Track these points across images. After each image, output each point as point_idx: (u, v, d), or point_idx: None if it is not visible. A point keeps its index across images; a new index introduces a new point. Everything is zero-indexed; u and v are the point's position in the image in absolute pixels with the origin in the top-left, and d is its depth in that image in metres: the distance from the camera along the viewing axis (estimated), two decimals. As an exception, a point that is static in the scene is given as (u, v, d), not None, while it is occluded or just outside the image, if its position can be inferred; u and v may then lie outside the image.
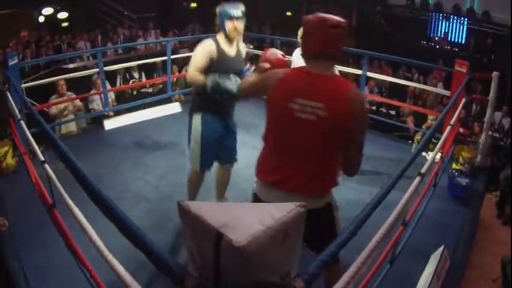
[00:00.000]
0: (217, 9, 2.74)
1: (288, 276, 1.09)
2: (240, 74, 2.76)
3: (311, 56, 1.66)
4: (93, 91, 5.66)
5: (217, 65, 2.67)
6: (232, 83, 2.58)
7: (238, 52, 2.81)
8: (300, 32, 3.10)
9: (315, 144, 1.61)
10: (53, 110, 5.14)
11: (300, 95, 1.58)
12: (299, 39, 3.07)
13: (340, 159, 1.69)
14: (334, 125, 1.57)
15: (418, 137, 5.00)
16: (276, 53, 2.28)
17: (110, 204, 1.36)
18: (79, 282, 2.21)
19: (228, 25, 2.69)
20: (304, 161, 1.64)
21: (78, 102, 5.39)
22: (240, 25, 2.70)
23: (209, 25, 4.32)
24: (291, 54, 4.39)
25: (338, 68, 5.15)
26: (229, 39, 2.72)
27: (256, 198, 1.79)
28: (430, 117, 5.28)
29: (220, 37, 2.74)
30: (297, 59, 3.78)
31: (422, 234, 3.01)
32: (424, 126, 5.32)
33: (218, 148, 2.95)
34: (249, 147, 4.62)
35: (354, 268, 1.27)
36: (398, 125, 5.96)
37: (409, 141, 5.24)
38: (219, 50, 2.69)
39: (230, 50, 2.75)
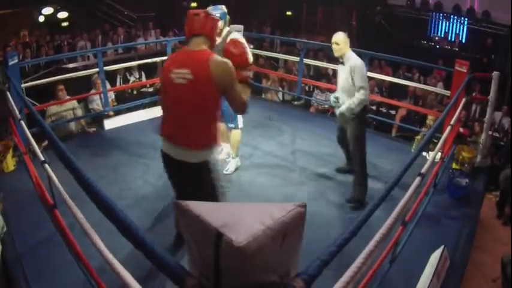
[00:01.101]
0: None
1: (288, 276, 1.09)
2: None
3: (187, 37, 2.22)
4: (93, 91, 5.66)
5: None
6: None
7: (222, 42, 3.35)
8: (334, 38, 3.48)
9: (189, 103, 2.09)
10: (47, 120, 5.05)
11: (175, 67, 2.10)
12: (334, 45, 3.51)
13: (215, 118, 2.18)
14: (199, 85, 2.05)
15: (418, 137, 4.99)
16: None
17: (109, 204, 1.37)
18: (79, 282, 2.21)
19: None
20: (183, 119, 2.12)
21: (78, 111, 5.36)
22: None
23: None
24: (291, 54, 4.40)
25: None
26: None
27: (162, 152, 2.28)
28: (429, 117, 5.28)
29: None
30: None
31: (422, 234, 3.01)
32: (424, 128, 5.31)
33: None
34: (250, 147, 4.63)
35: (354, 268, 1.27)
36: (398, 124, 5.96)
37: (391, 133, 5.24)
38: None
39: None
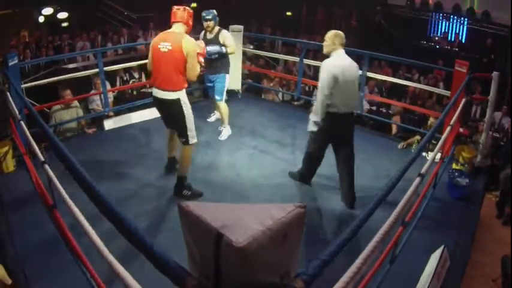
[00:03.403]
0: None
1: (288, 276, 1.09)
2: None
3: (171, 23, 3.36)
4: (93, 91, 5.65)
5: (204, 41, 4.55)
6: (213, 49, 4.53)
7: (215, 36, 4.66)
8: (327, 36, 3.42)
9: (168, 64, 3.23)
10: (52, 121, 5.04)
11: (162, 41, 3.25)
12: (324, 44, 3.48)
13: (183, 72, 3.28)
14: (175, 52, 3.20)
15: (418, 137, 4.99)
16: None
17: (109, 204, 1.37)
18: (79, 282, 2.21)
19: (204, 23, 4.67)
20: (165, 72, 3.25)
21: (79, 111, 5.34)
22: (209, 23, 4.62)
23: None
24: (291, 54, 4.36)
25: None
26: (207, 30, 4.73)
27: (153, 96, 3.44)
28: (431, 119, 5.27)
29: None
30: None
31: (422, 234, 3.01)
32: (423, 128, 5.30)
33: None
34: (249, 147, 4.63)
35: (354, 268, 1.27)
36: (397, 125, 5.96)
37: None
38: (203, 35, 4.75)
39: (208, 35, 4.69)
